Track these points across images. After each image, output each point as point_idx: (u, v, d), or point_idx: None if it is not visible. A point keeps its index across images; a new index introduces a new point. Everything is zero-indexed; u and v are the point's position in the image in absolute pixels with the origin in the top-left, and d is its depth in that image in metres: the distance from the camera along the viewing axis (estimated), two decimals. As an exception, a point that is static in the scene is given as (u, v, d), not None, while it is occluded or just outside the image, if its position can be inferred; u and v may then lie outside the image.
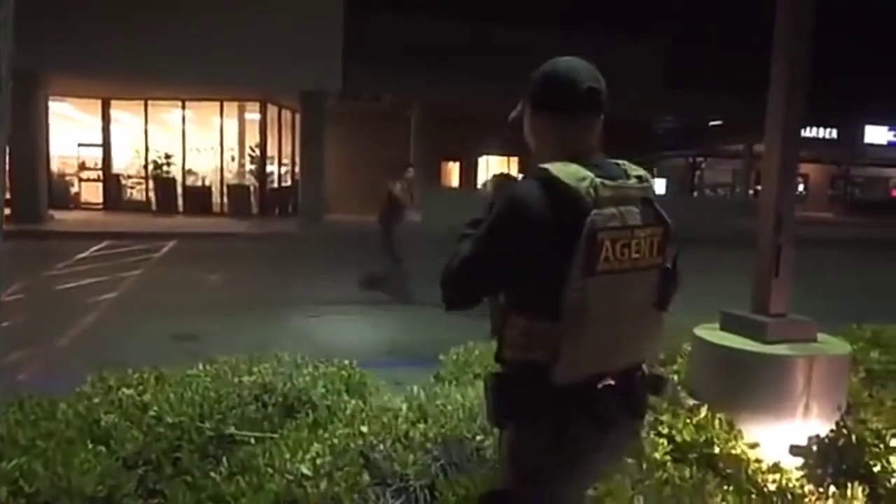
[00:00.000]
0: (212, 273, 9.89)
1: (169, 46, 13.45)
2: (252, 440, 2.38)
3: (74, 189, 18.45)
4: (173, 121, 18.39)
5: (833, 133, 25.41)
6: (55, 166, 18.09)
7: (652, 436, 2.42)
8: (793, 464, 2.54)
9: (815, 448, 2.57)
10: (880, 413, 2.70)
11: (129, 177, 18.56)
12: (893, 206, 30.51)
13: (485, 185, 1.71)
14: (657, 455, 2.29)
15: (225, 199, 18.27)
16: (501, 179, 1.65)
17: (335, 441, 2.15)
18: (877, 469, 2.37)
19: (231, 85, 14.97)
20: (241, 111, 18.55)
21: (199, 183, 18.52)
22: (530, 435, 1.38)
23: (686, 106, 21.53)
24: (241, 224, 16.01)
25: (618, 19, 23.15)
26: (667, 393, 1.48)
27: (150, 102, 17.78)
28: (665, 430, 2.51)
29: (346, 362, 3.19)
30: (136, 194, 18.45)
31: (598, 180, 1.32)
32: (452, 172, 23.51)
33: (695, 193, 30.96)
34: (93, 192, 18.28)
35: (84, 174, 18.47)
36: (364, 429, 2.22)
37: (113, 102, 17.77)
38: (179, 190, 18.15)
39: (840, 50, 27.95)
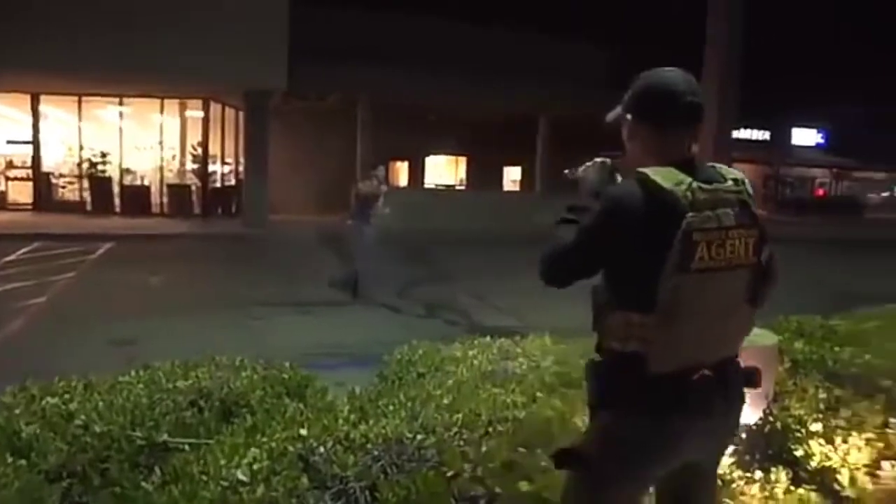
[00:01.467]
0: (151, 275, 9.52)
1: (103, 40, 12.90)
2: (186, 447, 2.30)
3: (1, 188, 17.47)
4: (110, 118, 17.65)
5: (766, 135, 26.58)
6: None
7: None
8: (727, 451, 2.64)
9: (744, 436, 2.69)
10: (803, 400, 2.84)
11: (62, 176, 17.68)
12: (818, 204, 32.17)
13: (585, 169, 1.76)
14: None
15: (165, 199, 17.66)
16: (604, 167, 1.72)
17: (273, 445, 2.11)
18: (799, 453, 2.49)
19: (171, 83, 14.48)
20: (183, 109, 17.96)
21: (138, 182, 17.84)
22: (626, 417, 1.47)
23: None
24: (182, 224, 15.52)
25: (569, 17, 23.51)
26: (759, 385, 1.59)
27: (84, 99, 16.99)
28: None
29: (287, 364, 3.13)
30: (69, 194, 17.60)
31: (695, 184, 1.41)
32: (400, 172, 23.42)
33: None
34: (22, 192, 17.34)
35: (11, 173, 17.50)
36: (303, 431, 2.19)
37: (43, 98, 16.90)
38: (116, 189, 17.44)
39: (772, 54, 29.28)
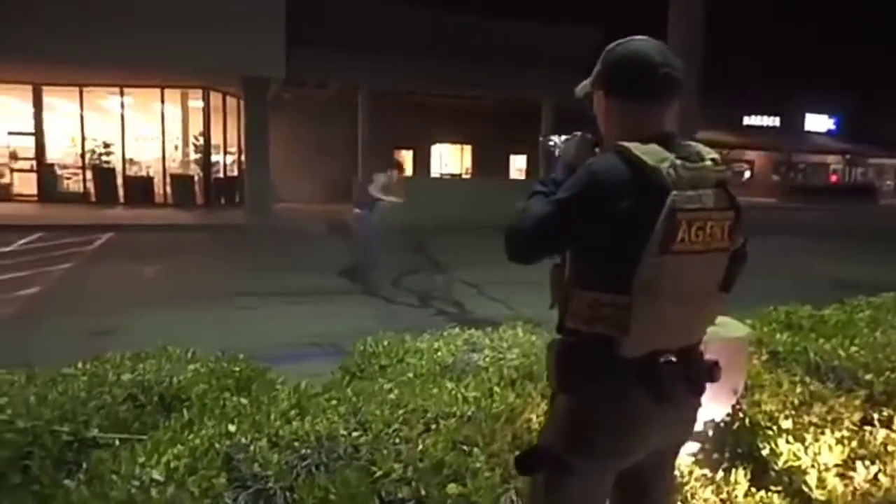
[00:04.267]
0: (146, 266, 9.51)
1: (102, 29, 12.82)
2: (117, 443, 2.21)
3: (5, 180, 17.55)
4: (111, 108, 17.65)
5: (776, 121, 26.10)
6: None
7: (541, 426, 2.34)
8: (690, 449, 2.51)
9: (710, 433, 2.55)
10: (777, 394, 2.69)
11: (66, 167, 17.73)
12: (832, 191, 31.58)
13: (566, 142, 1.67)
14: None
15: (168, 190, 17.67)
16: (584, 140, 1.62)
17: (197, 442, 2.01)
18: (766, 452, 2.35)
19: (168, 70, 14.37)
20: (184, 98, 17.92)
21: (141, 173, 17.85)
22: (589, 402, 1.41)
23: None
24: (184, 215, 15.51)
25: (573, 3, 23.12)
26: (718, 379, 1.52)
27: (85, 89, 16.99)
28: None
29: (241, 356, 3.03)
30: (74, 185, 17.66)
31: (678, 161, 1.35)
32: (406, 161, 23.27)
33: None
34: (26, 184, 17.40)
35: (16, 164, 17.57)
36: (232, 428, 2.08)
37: (45, 88, 16.92)
38: (119, 180, 17.46)
39: (783, 40, 28.70)
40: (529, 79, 17.73)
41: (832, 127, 32.19)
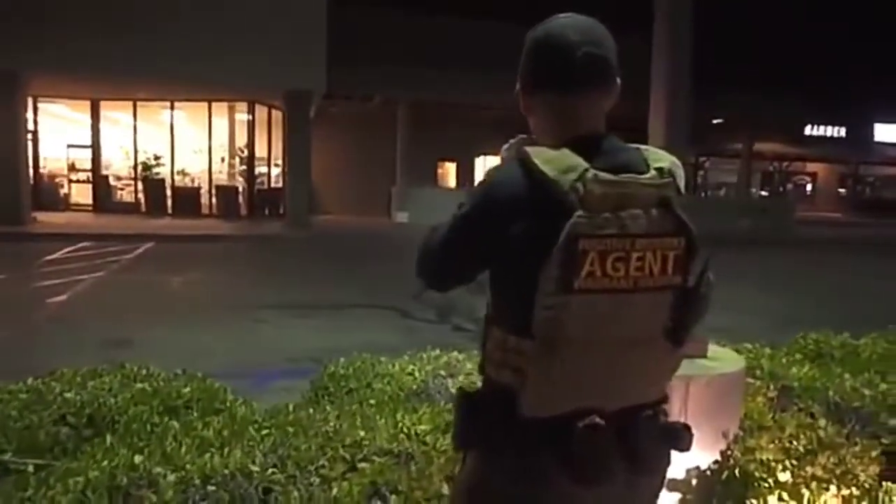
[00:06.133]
0: (178, 276, 9.64)
1: (149, 46, 13.26)
2: (31, 468, 2.07)
3: (64, 190, 18.39)
4: (162, 121, 18.28)
5: (842, 132, 24.69)
6: (45, 167, 18.04)
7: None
8: (670, 501, 2.18)
9: (694, 482, 2.21)
10: (780, 440, 2.33)
11: (119, 178, 18.46)
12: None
13: (507, 149, 1.41)
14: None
15: (214, 201, 18.10)
16: (520, 143, 1.35)
17: (96, 474, 1.84)
18: (755, 510, 2.01)
19: (212, 84, 14.74)
20: (231, 112, 18.38)
21: (189, 184, 18.38)
22: (493, 470, 1.15)
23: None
24: (227, 226, 15.81)
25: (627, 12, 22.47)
26: (688, 449, 1.20)
27: (138, 103, 17.66)
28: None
29: (200, 375, 2.87)
30: (126, 196, 18.35)
31: (589, 173, 1.04)
32: (449, 173, 23.19)
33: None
34: (83, 194, 18.20)
35: (74, 175, 18.40)
36: (137, 459, 1.91)
37: (102, 103, 17.68)
38: (169, 191, 18.01)
39: (848, 47, 27.21)
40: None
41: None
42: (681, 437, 1.20)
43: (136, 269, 10.31)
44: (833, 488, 2.07)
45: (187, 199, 17.81)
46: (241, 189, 18.22)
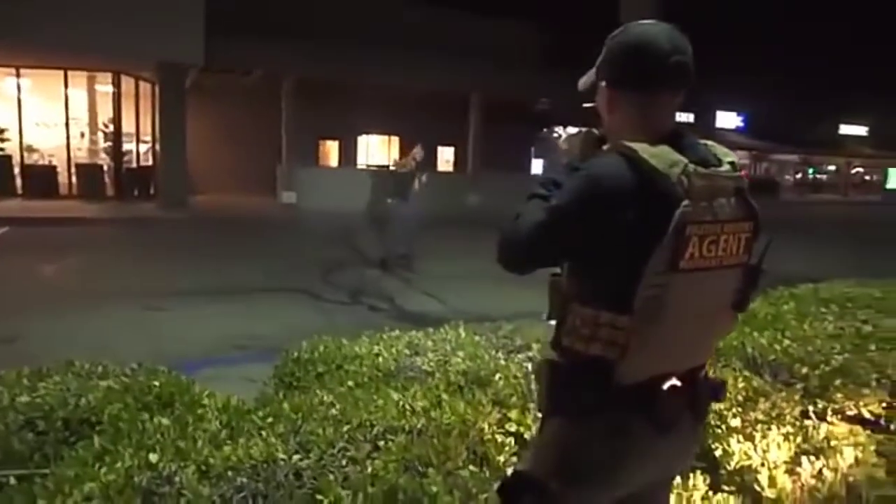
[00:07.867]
0: (47, 263, 8.73)
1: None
2: (13, 480, 1.90)
3: None
4: (7, 91, 16.16)
5: (690, 118, 27.31)
6: None
7: (497, 435, 2.22)
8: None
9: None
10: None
11: (-52, 153, 16.10)
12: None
13: (568, 139, 1.51)
14: (501, 458, 2.09)
15: (74, 180, 16.40)
16: (588, 136, 1.44)
17: (112, 477, 1.74)
18: (718, 453, 2.33)
19: (79, 52, 13.26)
20: (91, 82, 16.67)
21: (42, 161, 16.47)
22: (584, 431, 1.29)
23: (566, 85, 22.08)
24: (92, 208, 14.43)
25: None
26: (724, 398, 1.50)
27: (-27, 69, 15.48)
28: (513, 429, 2.33)
29: (163, 368, 2.73)
30: (-42, 174, 16.06)
31: (690, 167, 1.20)
32: (331, 152, 22.70)
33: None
34: None
35: None
36: (153, 457, 1.83)
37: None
38: (17, 170, 16.03)
39: (696, 36, 29.97)
40: (458, 69, 17.66)
41: (741, 124, 34.14)
42: (722, 391, 1.45)
43: (-4, 258, 9.19)
44: (774, 428, 2.45)
45: (41, 178, 15.96)
46: (106, 167, 16.64)
